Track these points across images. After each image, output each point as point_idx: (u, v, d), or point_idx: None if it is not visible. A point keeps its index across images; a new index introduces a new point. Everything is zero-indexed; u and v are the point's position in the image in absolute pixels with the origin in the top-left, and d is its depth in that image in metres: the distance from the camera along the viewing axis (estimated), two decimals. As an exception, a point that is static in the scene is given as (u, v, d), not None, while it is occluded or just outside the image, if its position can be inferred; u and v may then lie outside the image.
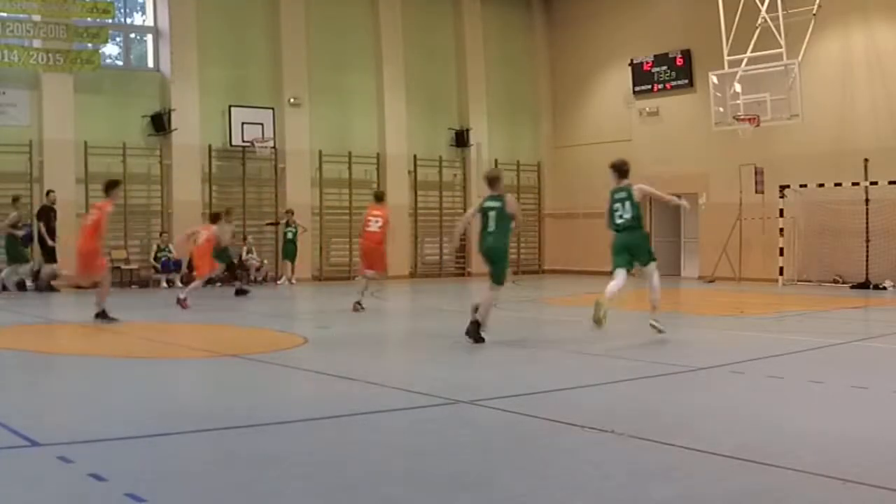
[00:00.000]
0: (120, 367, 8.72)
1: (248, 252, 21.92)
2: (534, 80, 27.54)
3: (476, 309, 10.25)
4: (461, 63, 25.89)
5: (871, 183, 19.87)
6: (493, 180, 10.67)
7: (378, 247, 14.28)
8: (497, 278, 10.36)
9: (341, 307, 14.25)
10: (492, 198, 10.49)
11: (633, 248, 10.59)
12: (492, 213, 10.34)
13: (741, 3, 20.26)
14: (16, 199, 18.31)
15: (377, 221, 14.21)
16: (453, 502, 4.32)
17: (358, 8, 24.27)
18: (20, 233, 17.87)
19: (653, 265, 10.69)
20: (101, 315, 12.38)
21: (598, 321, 9.99)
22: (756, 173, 21.38)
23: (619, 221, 10.59)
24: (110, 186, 12.94)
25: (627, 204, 10.56)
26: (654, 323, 10.50)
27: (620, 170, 10.86)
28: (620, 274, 10.41)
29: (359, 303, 14.00)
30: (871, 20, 20.67)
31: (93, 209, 13.13)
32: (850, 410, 6.56)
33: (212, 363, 9.14)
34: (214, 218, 16.69)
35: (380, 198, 14.99)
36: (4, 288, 17.51)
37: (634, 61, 25.22)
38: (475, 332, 10.05)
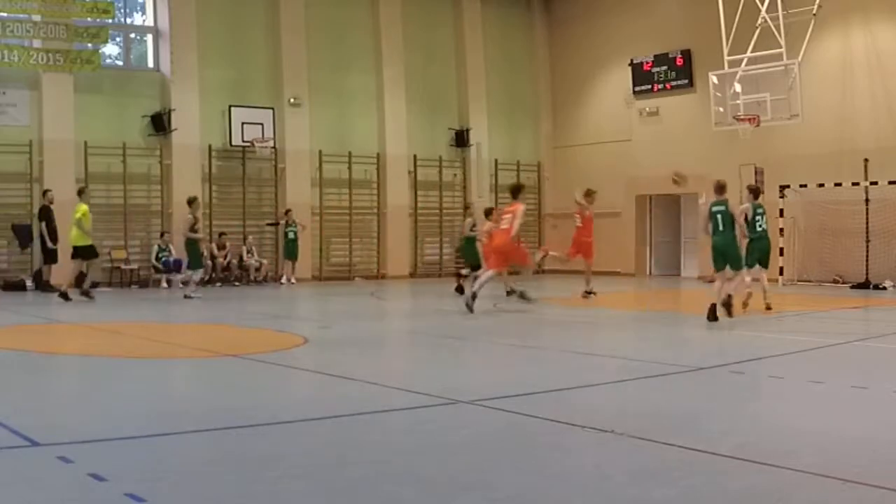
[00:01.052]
0: (120, 367, 8.71)
1: (248, 252, 21.92)
2: (534, 80, 27.54)
3: (727, 299, 11.96)
4: (461, 63, 25.89)
5: (871, 183, 19.86)
6: (719, 187, 12.43)
7: (589, 242, 17.10)
8: (736, 266, 12.63)
9: (341, 307, 14.25)
10: (718, 202, 12.34)
11: (764, 251, 13.74)
12: (719, 216, 12.25)
13: (741, 3, 20.25)
14: (192, 201, 17.25)
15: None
16: (453, 502, 4.32)
17: (358, 8, 24.27)
18: (198, 236, 17.23)
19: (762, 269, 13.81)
20: (521, 295, 13.96)
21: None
22: (756, 173, 21.34)
23: (758, 230, 13.58)
24: (518, 190, 14.11)
25: (765, 217, 13.76)
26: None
27: (756, 192, 14.15)
28: (760, 273, 13.72)
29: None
30: (871, 20, 20.67)
31: (506, 214, 13.95)
32: (850, 410, 6.56)
33: (212, 363, 9.14)
34: (487, 213, 17.28)
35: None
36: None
37: (634, 61, 25.22)
38: (728, 311, 11.96)
